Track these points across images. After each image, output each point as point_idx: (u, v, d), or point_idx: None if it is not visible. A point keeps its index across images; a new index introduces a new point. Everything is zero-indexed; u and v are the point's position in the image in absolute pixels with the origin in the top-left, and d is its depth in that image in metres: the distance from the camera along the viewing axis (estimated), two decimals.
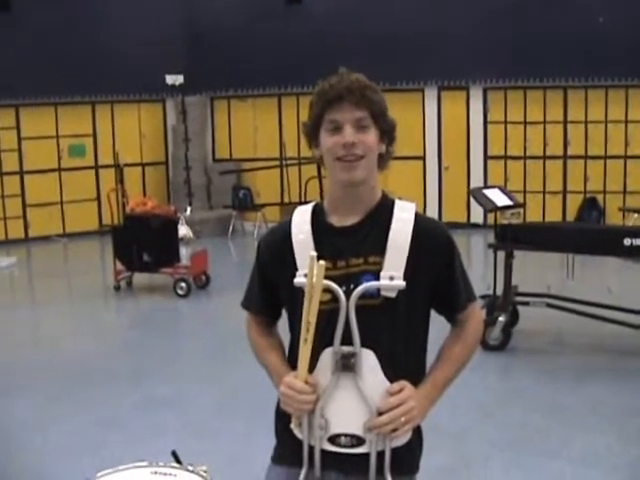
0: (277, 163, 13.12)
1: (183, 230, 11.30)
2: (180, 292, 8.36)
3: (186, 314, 8.14)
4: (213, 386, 5.54)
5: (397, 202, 1.88)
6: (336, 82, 1.78)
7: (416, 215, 1.85)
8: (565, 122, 12.16)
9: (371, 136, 1.79)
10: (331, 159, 1.80)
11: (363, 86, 1.78)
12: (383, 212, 1.85)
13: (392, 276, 1.76)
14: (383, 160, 1.87)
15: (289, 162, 12.91)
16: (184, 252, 8.65)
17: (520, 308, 6.52)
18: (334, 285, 1.76)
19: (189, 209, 12.51)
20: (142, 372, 5.87)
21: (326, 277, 1.74)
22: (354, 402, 1.79)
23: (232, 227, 12.71)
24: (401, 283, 1.76)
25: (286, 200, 13.12)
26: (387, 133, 1.84)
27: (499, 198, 6.57)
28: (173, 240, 8.56)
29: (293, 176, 13.11)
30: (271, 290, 1.92)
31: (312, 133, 1.84)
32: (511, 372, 5.84)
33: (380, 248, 1.80)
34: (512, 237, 6.16)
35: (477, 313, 1.99)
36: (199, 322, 7.76)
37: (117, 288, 8.71)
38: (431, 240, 1.83)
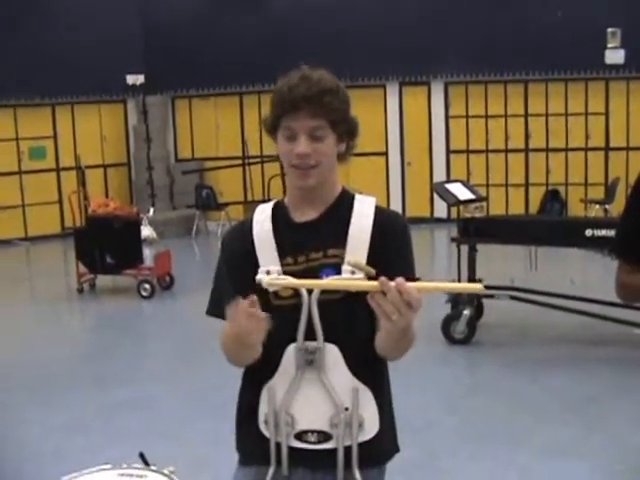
0: (240, 162, 13.07)
1: (146, 231, 11.19)
2: (144, 294, 8.30)
3: (150, 316, 8.08)
4: (179, 388, 5.50)
5: (357, 196, 1.90)
6: (295, 85, 1.75)
7: (376, 208, 1.87)
8: (526, 115, 12.32)
9: (326, 145, 1.79)
10: (287, 164, 1.82)
11: (322, 91, 1.75)
12: (343, 206, 1.86)
13: (353, 269, 1.76)
14: (343, 156, 1.88)
15: (251, 160, 12.88)
16: (147, 253, 8.59)
17: (484, 301, 6.57)
18: (295, 280, 1.77)
19: (152, 210, 12.34)
20: (107, 375, 5.81)
21: (287, 273, 1.77)
22: (319, 397, 1.80)
23: (195, 227, 12.65)
24: (361, 277, 1.75)
25: (249, 198, 13.09)
26: (347, 134, 1.85)
27: (462, 192, 6.61)
28: (136, 241, 8.51)
29: (256, 174, 13.08)
30: (242, 284, 1.87)
31: (271, 131, 1.84)
32: (476, 365, 5.89)
33: (341, 241, 1.81)
34: (475, 231, 6.21)
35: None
36: (164, 324, 7.71)
37: (80, 291, 8.63)
38: (390, 230, 1.85)
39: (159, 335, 7.26)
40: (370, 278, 1.71)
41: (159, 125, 13.38)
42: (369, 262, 1.77)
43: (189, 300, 8.09)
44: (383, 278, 1.58)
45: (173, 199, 13.56)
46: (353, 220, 1.83)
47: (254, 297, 1.66)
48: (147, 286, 8.31)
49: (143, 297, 8.29)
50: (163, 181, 13.39)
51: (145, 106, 12.98)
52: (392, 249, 1.84)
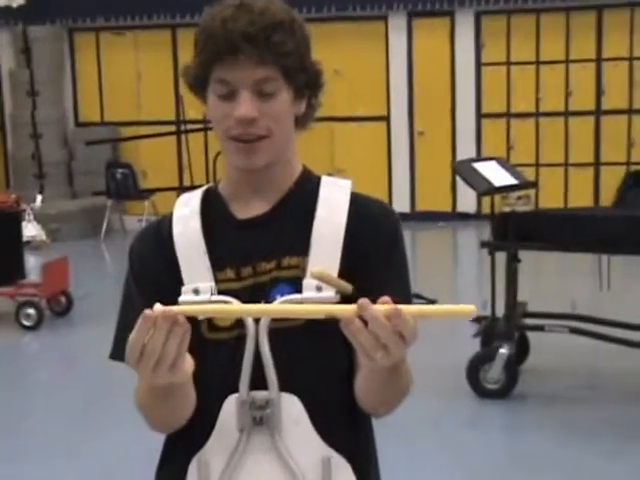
0: (172, 129, 13.03)
1: (31, 230, 11.13)
2: (26, 322, 8.25)
3: (35, 355, 8.03)
4: (73, 463, 5.45)
5: (324, 179, 1.93)
6: (230, 18, 1.76)
7: (352, 196, 1.89)
8: (599, 60, 12.36)
9: (279, 103, 1.81)
10: (222, 135, 1.84)
11: (270, 26, 1.76)
12: (304, 195, 1.89)
13: (319, 285, 1.78)
14: (304, 119, 1.91)
15: (190, 127, 12.85)
16: (33, 262, 8.56)
17: (531, 335, 6.57)
18: (237, 303, 1.77)
19: (39, 198, 12.34)
20: None
21: (226, 292, 1.80)
22: (273, 474, 1.81)
23: (107, 224, 12.67)
24: (332, 294, 1.77)
25: (186, 183, 13.13)
26: (308, 86, 1.87)
27: (498, 175, 6.62)
28: (15, 245, 8.47)
29: (196, 147, 13.09)
30: None
31: (197, 86, 1.85)
32: (519, 429, 5.88)
33: (301, 245, 1.83)
34: (517, 232, 6.21)
35: None
36: (55, 367, 7.68)
37: None
38: (373, 228, 1.87)
39: (47, 385, 7.20)
40: (344, 298, 1.72)
41: (50, 71, 13.34)
42: (343, 275, 1.78)
43: (93, 331, 8.01)
44: (363, 300, 1.55)
45: (73, 183, 13.49)
46: (318, 214, 1.85)
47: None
48: (31, 311, 8.26)
49: (25, 327, 8.24)
50: (57, 156, 13.34)
51: (27, 41, 12.94)
52: (376, 255, 1.86)
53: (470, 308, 1.55)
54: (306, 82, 1.85)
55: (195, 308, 1.66)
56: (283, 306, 1.74)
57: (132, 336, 1.58)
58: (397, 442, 4.91)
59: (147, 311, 1.56)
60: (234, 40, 1.74)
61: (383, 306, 1.54)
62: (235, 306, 1.74)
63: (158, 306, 1.57)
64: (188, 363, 1.66)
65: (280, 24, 1.78)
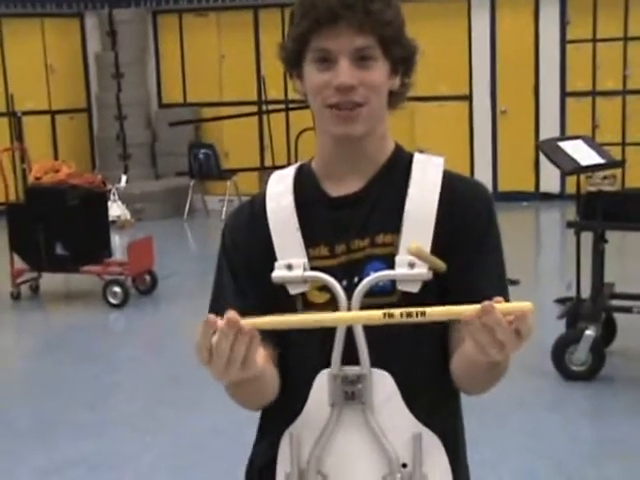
0: (254, 109, 13.05)
1: (116, 209, 11.27)
2: (113, 300, 8.35)
3: (121, 333, 8.13)
4: (159, 438, 5.51)
5: (417, 157, 1.93)
6: None
7: (445, 174, 1.89)
8: None
9: (377, 73, 1.82)
10: (320, 104, 1.84)
11: None
12: (397, 172, 1.90)
13: (412, 262, 1.78)
14: (396, 98, 1.91)
15: (271, 107, 12.86)
16: (118, 242, 8.66)
17: (618, 317, 6.50)
18: (331, 280, 1.81)
19: (124, 178, 12.48)
20: (51, 421, 5.82)
21: (321, 268, 1.83)
22: (365, 449, 1.82)
23: (189, 204, 12.75)
24: (425, 271, 1.79)
25: (268, 163, 13.15)
26: (403, 62, 1.88)
27: (584, 154, 6.55)
28: (101, 224, 8.58)
29: (278, 128, 13.12)
30: (256, 288, 1.92)
31: (293, 61, 1.87)
32: (607, 414, 5.79)
33: (394, 223, 1.84)
34: (605, 212, 6.13)
35: None
36: (140, 345, 7.74)
37: (16, 296, 8.70)
38: (467, 208, 1.87)
39: (134, 362, 7.27)
40: (436, 275, 1.76)
41: (134, 53, 13.46)
42: (435, 254, 1.78)
43: (178, 309, 8.12)
44: (487, 303, 1.52)
45: (156, 164, 13.61)
46: (411, 192, 1.85)
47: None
48: (117, 290, 8.35)
49: (111, 306, 8.33)
50: (141, 137, 13.47)
51: (113, 24, 13.09)
52: (470, 236, 1.86)
53: (526, 305, 1.52)
54: (402, 57, 1.86)
55: (267, 320, 1.60)
56: (380, 313, 1.57)
57: (197, 340, 1.57)
58: (481, 422, 4.88)
59: (210, 316, 1.55)
60: (334, 8, 1.76)
61: (503, 306, 1.51)
62: (323, 316, 1.66)
63: (230, 313, 1.55)
64: (260, 356, 1.66)
65: None
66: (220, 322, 1.53)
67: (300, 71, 1.86)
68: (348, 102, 1.80)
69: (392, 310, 1.53)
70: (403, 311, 1.53)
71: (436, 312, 1.55)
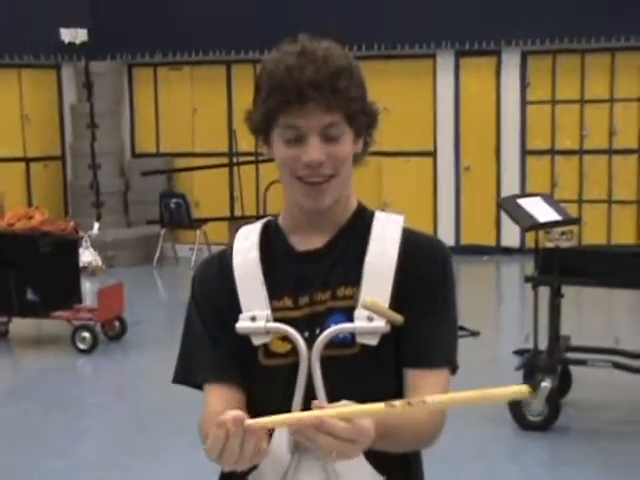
0: (225, 160, 13.08)
1: (88, 256, 11.21)
2: (81, 346, 8.28)
3: (89, 379, 8.05)
4: None
5: (377, 214, 1.97)
6: (296, 66, 1.79)
7: (404, 230, 1.93)
8: None
9: (345, 145, 1.86)
10: (289, 175, 1.87)
11: (334, 73, 1.80)
12: (359, 229, 1.94)
13: (371, 315, 1.81)
14: (359, 157, 1.95)
15: (242, 159, 12.89)
16: (89, 288, 8.61)
17: (574, 370, 6.50)
18: (291, 330, 1.83)
19: (96, 226, 12.43)
20: (19, 468, 5.74)
21: (285, 320, 1.85)
22: None
23: (159, 251, 12.69)
24: (382, 324, 1.81)
25: (237, 213, 13.13)
26: (367, 128, 1.92)
27: (542, 211, 6.58)
28: (72, 270, 8.53)
29: (248, 179, 13.12)
30: (223, 339, 1.93)
31: (261, 130, 1.89)
32: (563, 464, 5.80)
33: (354, 276, 1.87)
34: (561, 267, 6.17)
35: (444, 387, 1.90)
36: (108, 391, 7.67)
37: None
38: (422, 259, 1.90)
39: (103, 408, 7.21)
40: (394, 328, 1.80)
41: (109, 104, 13.45)
42: (393, 307, 1.83)
43: (147, 356, 8.07)
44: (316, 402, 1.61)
45: (128, 212, 13.56)
46: (371, 247, 1.89)
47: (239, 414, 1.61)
48: (86, 335, 8.29)
49: (80, 351, 8.27)
50: (114, 185, 13.43)
51: (89, 75, 13.05)
52: (424, 288, 1.88)
53: (523, 389, 1.55)
54: (365, 124, 1.89)
55: (270, 420, 1.62)
56: (381, 405, 1.58)
57: (209, 440, 1.60)
58: (441, 471, 4.88)
59: (220, 417, 1.58)
60: (302, 89, 1.77)
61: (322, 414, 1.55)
62: (324, 412, 1.61)
63: (233, 412, 1.59)
64: (265, 443, 1.66)
65: (343, 70, 1.81)
66: (230, 424, 1.56)
67: (268, 138, 1.88)
68: (318, 176, 1.83)
69: (394, 402, 1.56)
70: (404, 401, 1.57)
71: (436, 400, 1.59)
